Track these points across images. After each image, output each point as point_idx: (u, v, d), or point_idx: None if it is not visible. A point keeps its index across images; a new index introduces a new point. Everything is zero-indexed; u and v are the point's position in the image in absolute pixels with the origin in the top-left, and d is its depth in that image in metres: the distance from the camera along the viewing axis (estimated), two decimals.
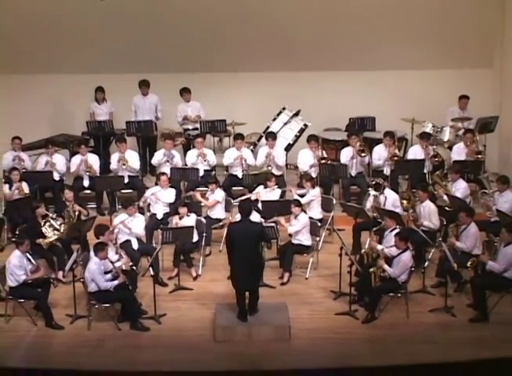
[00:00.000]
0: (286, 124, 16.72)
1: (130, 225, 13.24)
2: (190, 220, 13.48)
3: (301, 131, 16.58)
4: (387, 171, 15.60)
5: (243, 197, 14.40)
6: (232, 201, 14.60)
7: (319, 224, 13.80)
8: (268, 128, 16.57)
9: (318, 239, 13.71)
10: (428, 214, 13.46)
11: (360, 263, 12.49)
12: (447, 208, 13.85)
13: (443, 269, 12.65)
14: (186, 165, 15.68)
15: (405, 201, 14.21)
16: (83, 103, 17.30)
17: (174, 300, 12.71)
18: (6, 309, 12.14)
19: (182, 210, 13.51)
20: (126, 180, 15.50)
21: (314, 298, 12.75)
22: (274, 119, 16.79)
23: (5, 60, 17.34)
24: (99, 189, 15.58)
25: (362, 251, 13.07)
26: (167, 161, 15.56)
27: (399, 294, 12.22)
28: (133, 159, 15.72)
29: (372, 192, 14.04)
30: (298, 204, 13.43)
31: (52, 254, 13.30)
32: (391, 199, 13.93)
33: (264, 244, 13.02)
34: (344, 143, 16.02)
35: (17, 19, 17.11)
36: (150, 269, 12.54)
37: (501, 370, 11.02)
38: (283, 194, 14.57)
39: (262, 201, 13.95)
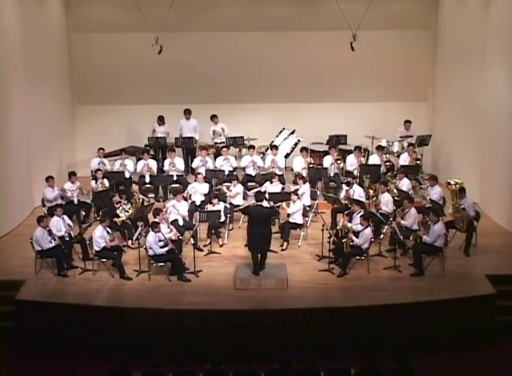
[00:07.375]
0: (285, 139, 16.62)
1: (178, 208, 13.24)
2: (220, 206, 13.46)
3: (296, 144, 16.47)
4: (355, 172, 15.51)
5: (255, 190, 14.37)
6: (248, 193, 14.55)
7: (308, 208, 13.76)
8: (272, 142, 16.48)
9: (307, 219, 13.68)
10: (386, 202, 13.40)
11: (336, 235, 12.48)
12: (396, 198, 13.80)
13: (393, 240, 12.66)
14: (216, 167, 15.62)
15: (371, 191, 14.22)
16: (146, 124, 17.18)
17: (207, 260, 12.70)
18: (93, 266, 12.22)
19: (214, 200, 13.49)
20: (174, 178, 15.42)
21: (304, 260, 12.72)
22: (277, 136, 16.70)
23: (94, 95, 17.37)
24: (156, 184, 15.53)
25: (338, 227, 13.08)
26: (203, 165, 15.50)
27: (363, 257, 12.22)
28: (179, 163, 15.66)
29: (344, 187, 14.01)
30: (296, 193, 13.43)
31: (124, 229, 13.31)
32: (357, 191, 13.87)
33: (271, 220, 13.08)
34: (326, 153, 15.92)
35: (104, 68, 17.23)
36: (191, 239, 12.60)
37: (431, 308, 11.15)
38: (283, 188, 14.53)
39: (269, 193, 13.90)
